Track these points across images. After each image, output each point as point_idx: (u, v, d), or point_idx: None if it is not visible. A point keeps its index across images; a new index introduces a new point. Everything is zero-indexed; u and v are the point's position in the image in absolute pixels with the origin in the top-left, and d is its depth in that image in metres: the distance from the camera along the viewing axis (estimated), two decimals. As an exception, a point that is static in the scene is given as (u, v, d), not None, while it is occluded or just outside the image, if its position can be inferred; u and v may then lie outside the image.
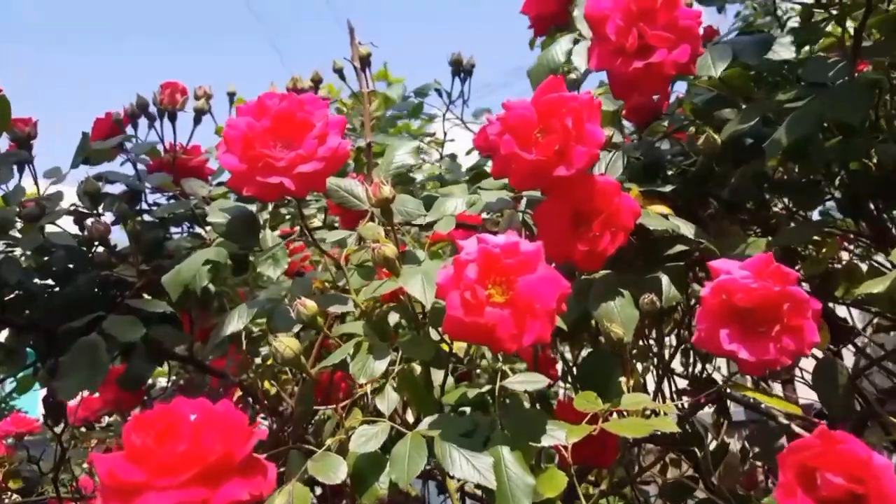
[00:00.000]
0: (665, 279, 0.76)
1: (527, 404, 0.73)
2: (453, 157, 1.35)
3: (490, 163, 1.24)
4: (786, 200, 0.97)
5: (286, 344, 0.63)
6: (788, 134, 0.70)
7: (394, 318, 0.77)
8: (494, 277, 0.60)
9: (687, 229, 0.74)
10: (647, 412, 0.67)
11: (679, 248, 0.79)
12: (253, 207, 0.84)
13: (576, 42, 0.87)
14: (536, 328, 0.59)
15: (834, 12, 0.84)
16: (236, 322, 0.75)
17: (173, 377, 1.42)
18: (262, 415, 1.38)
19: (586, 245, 0.70)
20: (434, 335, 0.72)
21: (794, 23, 1.03)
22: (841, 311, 1.05)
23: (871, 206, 0.91)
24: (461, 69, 1.17)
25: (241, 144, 0.69)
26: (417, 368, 0.74)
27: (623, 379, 0.69)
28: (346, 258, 0.80)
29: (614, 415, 0.66)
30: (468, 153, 1.34)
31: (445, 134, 1.30)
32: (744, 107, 0.88)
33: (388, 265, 0.66)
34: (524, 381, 0.66)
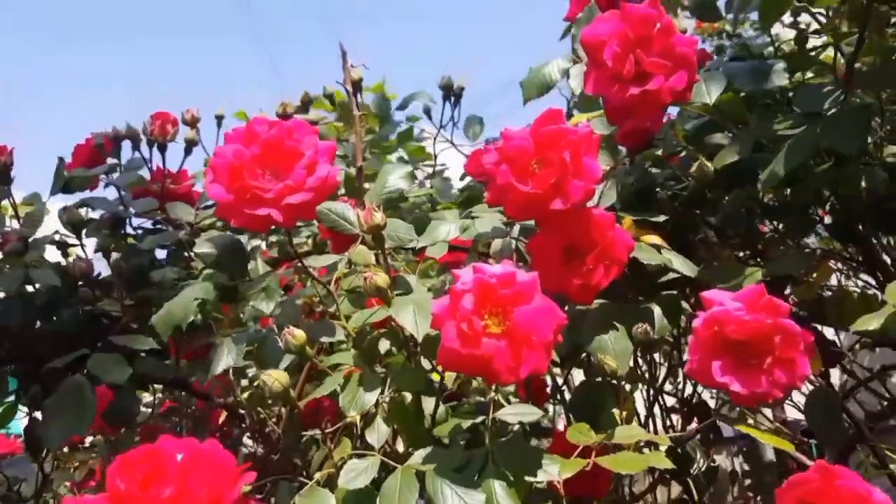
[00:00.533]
0: (657, 310, 0.75)
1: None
2: (445, 178, 1.34)
3: (482, 186, 1.25)
4: (776, 225, 0.97)
5: (275, 377, 0.62)
6: (786, 164, 0.70)
7: (384, 344, 0.76)
8: (490, 308, 0.60)
9: (679, 264, 0.74)
10: (641, 444, 0.66)
11: (672, 275, 0.79)
12: (243, 236, 0.82)
13: (574, 63, 0.86)
14: (533, 360, 0.58)
15: (827, 39, 0.84)
16: (226, 359, 0.74)
17: (159, 395, 1.40)
18: (247, 434, 1.36)
19: (580, 278, 0.70)
20: (425, 363, 0.71)
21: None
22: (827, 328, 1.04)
23: (862, 231, 0.91)
24: (451, 93, 1.16)
25: (228, 174, 0.68)
26: (408, 397, 0.73)
27: (616, 410, 0.68)
28: (337, 283, 0.79)
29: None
30: (461, 178, 1.33)
31: (436, 157, 1.29)
32: (735, 133, 0.88)
33: (380, 295, 0.66)
34: (518, 413, 0.65)
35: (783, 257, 0.82)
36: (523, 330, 0.58)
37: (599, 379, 0.73)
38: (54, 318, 0.99)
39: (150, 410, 1.29)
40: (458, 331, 0.58)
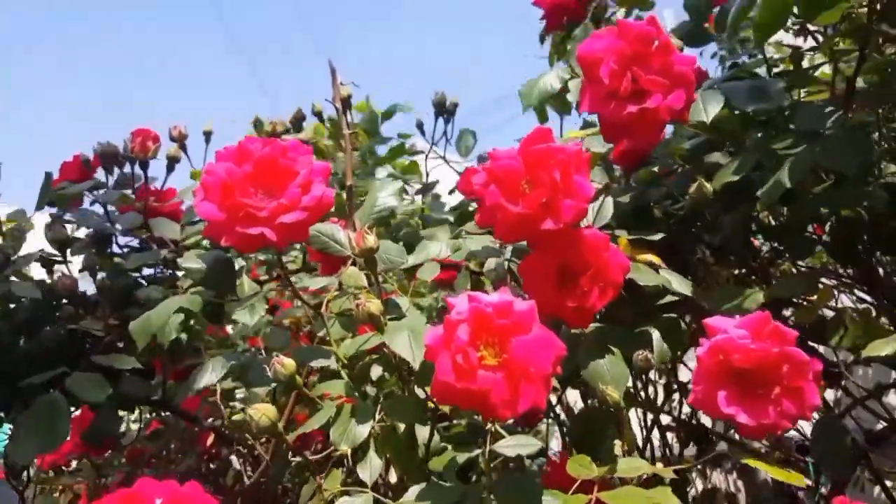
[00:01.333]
0: (656, 334, 0.73)
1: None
2: (436, 195, 1.31)
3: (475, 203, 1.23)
4: (773, 245, 0.95)
5: (262, 412, 0.59)
6: (789, 181, 0.68)
7: (376, 370, 0.73)
8: (487, 338, 0.56)
9: (678, 284, 0.72)
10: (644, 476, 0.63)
11: (670, 298, 0.76)
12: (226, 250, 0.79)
13: (571, 77, 0.84)
14: (531, 394, 0.55)
15: (824, 57, 0.82)
16: (209, 376, 0.70)
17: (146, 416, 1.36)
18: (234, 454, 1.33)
19: (574, 301, 0.67)
20: (419, 391, 0.68)
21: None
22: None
23: (861, 251, 0.89)
24: (444, 110, 1.13)
25: (220, 192, 0.65)
26: (401, 426, 0.70)
27: (618, 442, 0.65)
28: (327, 306, 0.76)
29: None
30: (451, 193, 1.31)
31: (428, 174, 1.26)
32: (732, 151, 0.85)
33: (372, 321, 0.62)
34: (516, 446, 0.62)
35: (785, 279, 0.79)
36: (521, 362, 0.55)
37: (597, 404, 0.70)
38: (35, 336, 0.96)
39: (136, 431, 1.26)
40: (452, 363, 0.55)
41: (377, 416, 0.63)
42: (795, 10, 0.76)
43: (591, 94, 0.75)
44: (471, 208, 1.23)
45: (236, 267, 0.85)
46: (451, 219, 1.13)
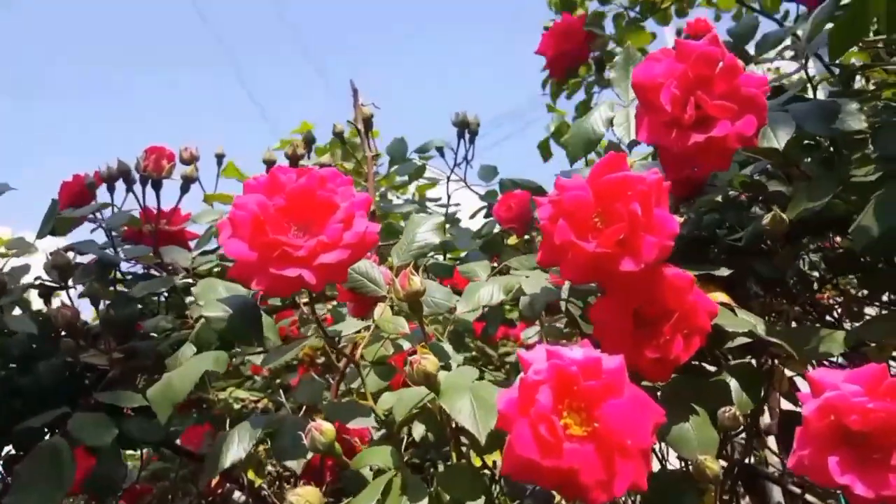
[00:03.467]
0: (734, 383, 0.62)
1: None
2: (455, 219, 1.21)
3: (497, 226, 1.12)
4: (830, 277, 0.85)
5: (305, 498, 0.47)
6: (880, 221, 0.58)
7: (418, 427, 0.62)
8: (570, 403, 0.46)
9: (763, 328, 0.61)
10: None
11: (742, 340, 0.66)
12: (250, 293, 0.67)
13: (612, 107, 0.74)
14: (630, 472, 0.44)
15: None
16: (236, 448, 0.58)
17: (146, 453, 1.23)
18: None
19: (655, 352, 0.57)
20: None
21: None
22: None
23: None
24: (468, 128, 1.03)
25: (251, 228, 0.55)
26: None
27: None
28: (360, 353, 0.65)
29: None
30: (471, 217, 1.20)
31: (450, 197, 1.15)
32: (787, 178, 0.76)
33: (428, 383, 0.51)
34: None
35: (873, 321, 0.69)
36: (616, 432, 0.45)
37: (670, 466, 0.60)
38: (31, 372, 0.84)
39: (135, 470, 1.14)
40: (534, 435, 0.44)
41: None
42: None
43: (650, 123, 0.66)
44: (492, 234, 1.13)
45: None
46: (477, 247, 1.02)
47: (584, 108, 1.65)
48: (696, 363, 0.68)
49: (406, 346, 0.73)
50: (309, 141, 1.07)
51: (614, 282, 0.58)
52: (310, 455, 0.56)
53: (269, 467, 1.16)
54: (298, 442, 0.53)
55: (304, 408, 0.86)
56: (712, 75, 0.64)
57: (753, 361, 0.71)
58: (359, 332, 0.66)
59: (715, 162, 0.65)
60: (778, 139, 0.67)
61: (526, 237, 0.99)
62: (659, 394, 0.60)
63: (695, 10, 1.98)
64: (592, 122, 0.73)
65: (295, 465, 0.55)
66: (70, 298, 0.89)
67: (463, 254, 1.10)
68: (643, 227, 0.55)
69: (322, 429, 0.52)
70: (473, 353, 1.14)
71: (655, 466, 0.86)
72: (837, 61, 0.82)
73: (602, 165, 0.58)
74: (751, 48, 0.95)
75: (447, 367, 0.63)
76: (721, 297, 0.66)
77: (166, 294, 1.02)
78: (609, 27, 1.76)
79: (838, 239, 0.84)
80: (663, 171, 0.69)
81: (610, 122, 0.72)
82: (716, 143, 0.62)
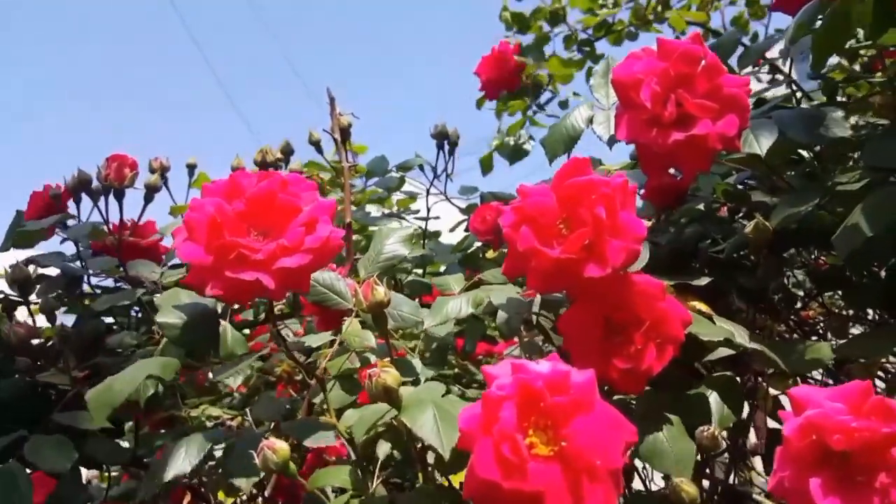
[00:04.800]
0: (714, 396, 0.59)
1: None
2: (435, 232, 1.17)
3: (478, 241, 1.09)
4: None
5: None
6: (865, 228, 0.55)
7: (383, 446, 0.58)
8: (537, 420, 0.42)
9: (742, 337, 0.58)
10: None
11: (723, 352, 0.63)
12: (211, 301, 0.64)
13: (592, 108, 0.71)
14: (598, 495, 0.40)
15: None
16: (181, 463, 0.54)
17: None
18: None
19: (626, 362, 0.53)
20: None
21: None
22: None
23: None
24: (447, 140, 1.00)
25: (207, 231, 0.51)
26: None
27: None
28: (323, 367, 0.61)
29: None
30: (452, 230, 1.17)
31: (429, 210, 1.12)
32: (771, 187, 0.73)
33: (388, 398, 0.48)
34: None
35: (858, 339, 0.65)
36: (584, 452, 0.41)
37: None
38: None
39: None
40: (497, 455, 0.40)
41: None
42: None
43: (630, 121, 0.63)
44: (472, 248, 1.10)
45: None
46: (457, 261, 0.99)
47: (514, 129, 1.71)
48: (676, 378, 0.65)
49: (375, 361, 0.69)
50: (287, 152, 1.04)
51: (581, 289, 0.55)
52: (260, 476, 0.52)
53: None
54: (250, 460, 0.49)
55: (274, 425, 0.82)
56: (694, 73, 0.61)
57: (738, 379, 0.68)
58: (324, 346, 0.63)
59: (695, 162, 0.62)
60: (760, 145, 0.64)
61: (503, 250, 0.96)
62: (633, 406, 0.57)
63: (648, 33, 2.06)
64: (572, 120, 0.70)
65: (244, 482, 0.52)
66: (31, 314, 0.86)
67: (442, 269, 1.07)
68: (608, 231, 0.52)
69: (275, 447, 0.48)
70: (456, 370, 1.11)
71: (638, 486, 0.82)
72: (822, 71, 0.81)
73: (565, 169, 0.55)
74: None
75: (416, 383, 0.60)
76: (699, 306, 0.63)
77: (136, 310, 0.99)
78: (559, 47, 1.86)
79: (823, 257, 0.82)
80: (643, 173, 0.66)
81: (589, 121, 0.69)
82: (696, 142, 0.59)
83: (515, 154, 1.50)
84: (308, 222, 0.52)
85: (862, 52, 0.83)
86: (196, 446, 0.55)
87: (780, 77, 0.85)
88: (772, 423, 0.89)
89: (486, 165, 1.69)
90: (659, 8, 2.18)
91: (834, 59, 0.95)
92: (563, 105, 1.78)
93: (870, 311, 0.85)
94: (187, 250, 0.52)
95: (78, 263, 0.94)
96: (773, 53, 0.90)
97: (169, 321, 0.61)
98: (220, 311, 0.72)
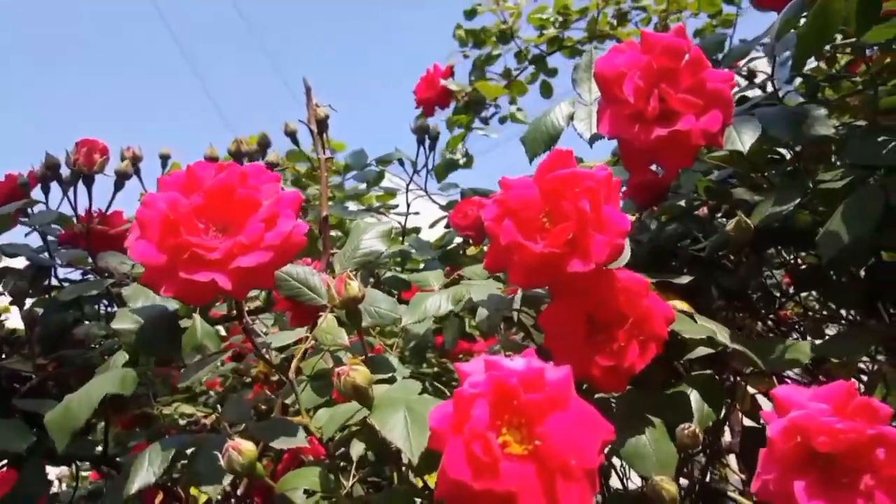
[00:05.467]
0: (695, 394, 0.58)
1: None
2: (415, 228, 1.15)
3: (458, 237, 1.07)
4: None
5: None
6: (847, 230, 0.53)
7: (357, 446, 0.56)
8: (510, 418, 0.40)
9: (723, 335, 0.57)
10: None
11: (702, 351, 0.61)
12: (174, 304, 0.61)
13: (573, 104, 0.69)
14: (573, 495, 0.38)
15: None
16: (145, 473, 0.50)
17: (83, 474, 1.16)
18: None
19: (609, 359, 0.51)
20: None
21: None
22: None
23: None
24: (428, 135, 0.98)
25: (161, 228, 0.48)
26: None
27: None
28: (294, 365, 0.59)
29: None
30: (431, 227, 1.15)
31: (409, 206, 1.10)
32: (765, 187, 0.72)
33: (358, 397, 0.46)
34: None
35: (836, 338, 0.64)
36: (559, 451, 0.39)
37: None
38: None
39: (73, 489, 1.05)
40: (468, 454, 0.38)
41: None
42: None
43: (612, 116, 0.61)
44: (452, 245, 1.08)
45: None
46: (436, 257, 0.97)
47: (453, 143, 1.79)
48: (657, 376, 0.63)
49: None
50: (264, 144, 1.01)
51: (564, 285, 0.53)
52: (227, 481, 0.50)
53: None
54: (216, 465, 0.47)
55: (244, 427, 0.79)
56: (677, 68, 0.60)
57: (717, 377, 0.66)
58: (295, 343, 0.60)
59: (678, 158, 0.61)
60: (742, 142, 0.63)
61: (484, 246, 0.94)
62: (614, 405, 0.55)
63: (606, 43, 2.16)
64: (552, 117, 0.68)
65: (211, 490, 0.49)
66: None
67: (422, 265, 1.05)
68: (592, 226, 0.50)
69: (241, 448, 0.45)
70: (435, 368, 1.09)
71: (616, 484, 0.81)
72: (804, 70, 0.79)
73: (549, 162, 0.53)
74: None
75: (391, 381, 0.58)
76: (680, 304, 0.61)
77: (106, 302, 0.96)
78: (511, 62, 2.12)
79: (801, 256, 0.81)
80: (625, 169, 0.65)
81: (570, 118, 0.67)
82: (679, 138, 0.58)
83: (449, 167, 1.49)
84: (268, 217, 0.49)
85: (839, 55, 0.82)
86: (158, 456, 0.51)
87: (757, 80, 0.84)
88: (746, 421, 0.88)
89: (440, 175, 1.72)
90: (615, 22, 2.25)
91: (812, 63, 0.94)
92: (503, 121, 1.90)
93: (843, 311, 0.84)
94: (139, 249, 0.49)
95: (45, 255, 0.90)
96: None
97: (124, 327, 0.58)
98: (186, 308, 0.69)
